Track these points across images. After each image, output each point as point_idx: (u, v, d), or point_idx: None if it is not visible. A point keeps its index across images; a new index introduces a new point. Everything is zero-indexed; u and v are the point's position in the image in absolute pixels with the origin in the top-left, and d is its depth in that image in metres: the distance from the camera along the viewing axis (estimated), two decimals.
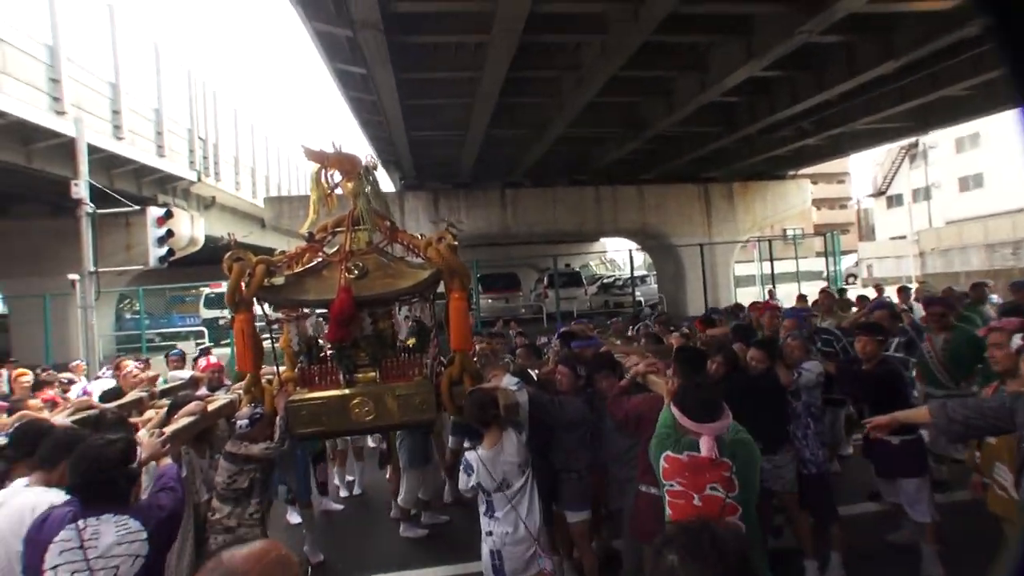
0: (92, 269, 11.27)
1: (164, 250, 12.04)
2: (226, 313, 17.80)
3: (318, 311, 3.89)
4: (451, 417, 4.21)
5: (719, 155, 17.86)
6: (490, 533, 3.38)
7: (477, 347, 4.93)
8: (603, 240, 31.78)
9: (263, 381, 3.98)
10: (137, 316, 18.65)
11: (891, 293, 11.08)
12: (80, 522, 2.20)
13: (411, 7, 8.71)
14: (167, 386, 4.96)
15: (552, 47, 10.70)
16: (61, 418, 3.45)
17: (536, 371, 4.33)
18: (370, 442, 6.84)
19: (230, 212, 22.90)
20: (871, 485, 4.92)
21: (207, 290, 22.86)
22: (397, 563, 4.92)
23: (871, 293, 12.60)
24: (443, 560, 4.86)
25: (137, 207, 12.83)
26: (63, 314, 13.37)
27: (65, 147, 11.89)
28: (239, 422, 3.63)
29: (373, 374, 3.86)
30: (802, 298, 10.12)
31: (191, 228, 18.20)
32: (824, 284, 18.50)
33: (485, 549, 3.42)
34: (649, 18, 8.37)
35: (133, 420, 3.82)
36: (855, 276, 33.10)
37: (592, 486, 4.01)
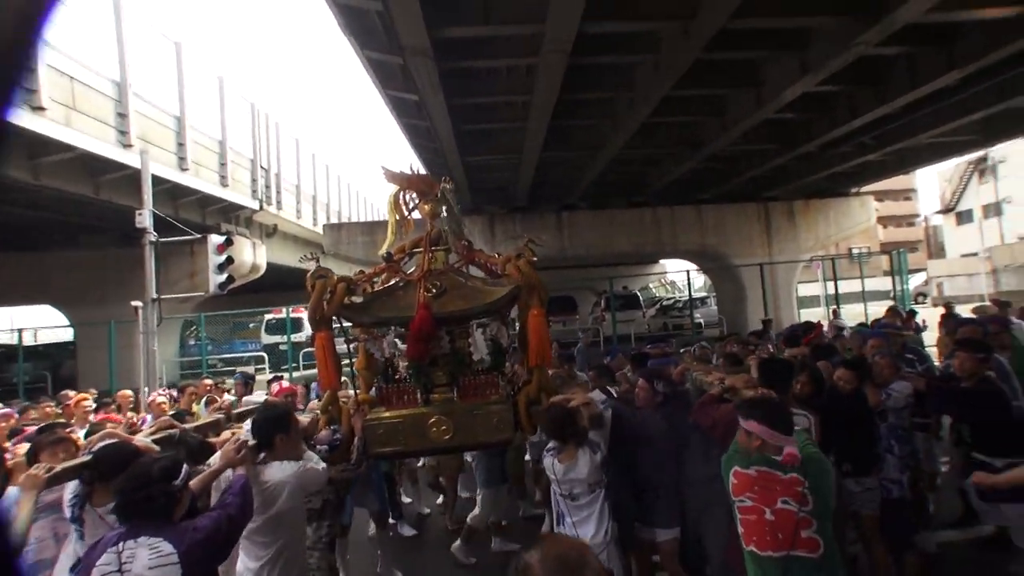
0: (154, 296, 11.56)
1: (224, 276, 12.19)
2: (284, 339, 18.43)
3: (396, 330, 3.90)
4: (529, 437, 4.15)
5: (778, 173, 17.47)
6: None
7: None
8: (663, 262, 31.40)
9: (340, 402, 4.02)
10: (201, 342, 19.06)
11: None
12: (120, 544, 2.23)
13: (461, 32, 8.75)
14: (243, 409, 5.07)
15: (604, 67, 10.63)
16: (142, 438, 3.54)
17: (613, 389, 4.25)
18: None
19: (291, 239, 23.65)
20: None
21: (268, 316, 23.45)
22: None
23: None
24: None
25: (199, 235, 13.18)
26: (128, 340, 13.52)
27: (131, 179, 12.36)
28: (319, 447, 3.67)
29: (450, 393, 3.86)
30: (893, 311, 9.60)
31: (253, 255, 18.67)
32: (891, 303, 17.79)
33: None
34: (699, 34, 8.27)
35: (210, 440, 3.91)
36: (924, 295, 31.72)
37: (679, 505, 3.90)
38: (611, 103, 12.08)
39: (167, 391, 7.24)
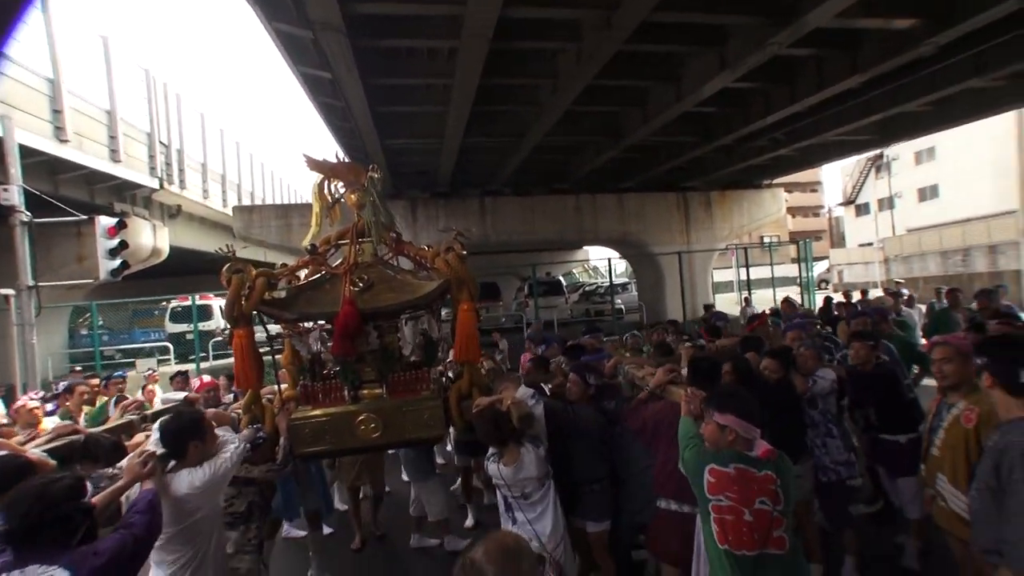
0: (31, 283, 10.25)
1: (117, 262, 11.01)
2: (190, 327, 17.24)
3: (322, 325, 3.73)
4: (453, 436, 4.08)
5: (697, 164, 18.10)
6: None
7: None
8: (585, 248, 31.92)
9: (263, 400, 3.82)
10: (94, 332, 17.28)
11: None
12: (4, 575, 2.02)
13: (376, 8, 8.43)
14: (160, 407, 4.73)
15: (527, 53, 10.58)
16: (35, 448, 3.22)
17: (547, 384, 4.25)
18: None
19: (198, 221, 22.12)
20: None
21: (173, 303, 21.74)
22: None
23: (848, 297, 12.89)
24: None
25: (85, 216, 11.78)
26: (1, 331, 11.96)
27: None
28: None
29: (379, 390, 3.74)
30: (788, 302, 10.20)
31: (153, 238, 17.13)
32: (797, 288, 18.92)
33: None
34: (622, 26, 8.34)
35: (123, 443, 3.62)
36: (827, 281, 33.96)
37: (612, 497, 3.97)
38: (534, 90, 12.05)
39: (38, 393, 6.26)
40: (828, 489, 4.12)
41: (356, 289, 3.62)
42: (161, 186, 17.73)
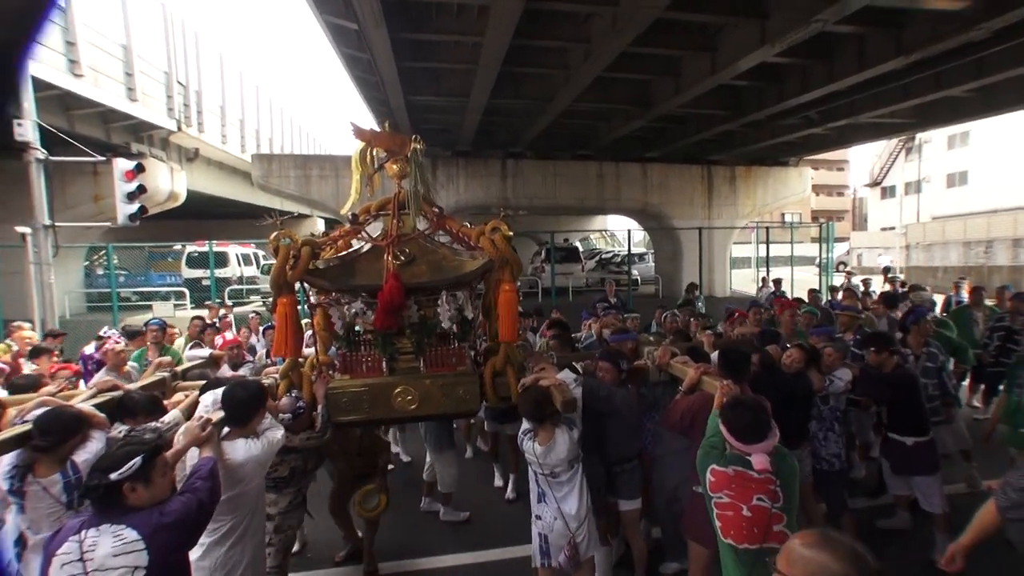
0: (47, 222, 10.07)
1: (135, 207, 10.72)
2: (207, 273, 17.20)
3: (363, 297, 3.74)
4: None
5: (725, 138, 17.79)
6: (539, 517, 3.47)
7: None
8: (604, 217, 31.65)
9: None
10: (110, 273, 16.85)
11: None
12: (83, 532, 2.12)
13: None
14: (187, 366, 4.79)
15: (560, 16, 10.28)
16: (82, 402, 3.27)
17: (579, 364, 4.27)
18: None
19: (216, 166, 22.00)
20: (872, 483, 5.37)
21: (190, 248, 21.74)
22: (436, 547, 4.90)
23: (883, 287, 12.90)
24: (479, 546, 4.88)
25: (103, 157, 11.52)
26: (14, 267, 11.78)
27: None
28: (282, 415, 3.53)
29: (415, 363, 3.79)
30: (813, 292, 10.10)
31: (171, 182, 16.91)
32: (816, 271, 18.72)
33: (534, 531, 3.51)
34: None
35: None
36: (845, 264, 33.53)
37: (643, 477, 4.11)
38: (566, 53, 11.80)
39: (117, 337, 6.19)
40: (825, 478, 4.38)
41: (398, 263, 3.62)
42: (179, 128, 17.50)
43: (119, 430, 3.11)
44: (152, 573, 2.12)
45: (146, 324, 6.70)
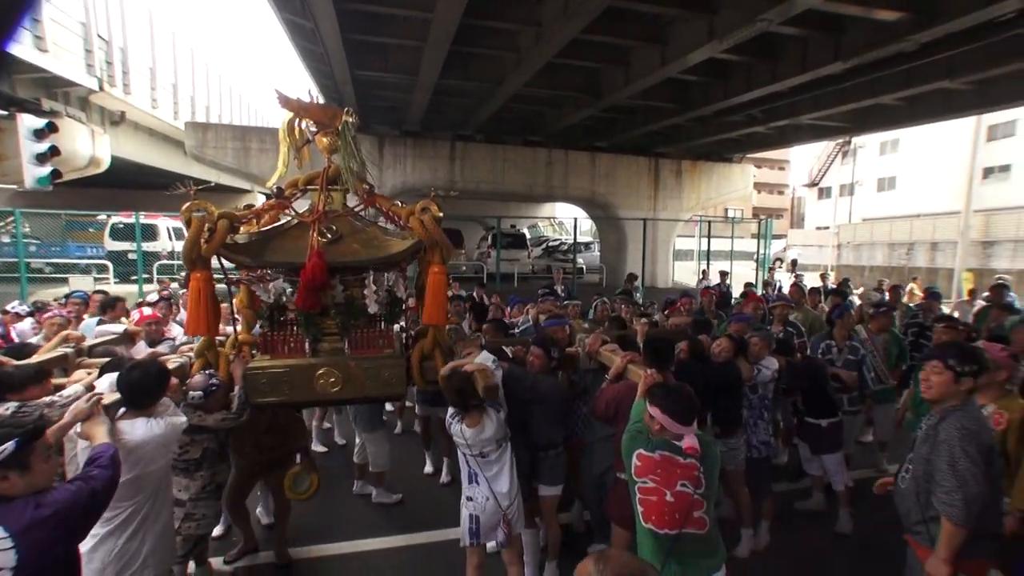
0: None
1: (47, 170, 9.87)
2: (133, 247, 16.12)
3: (286, 274, 3.58)
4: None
5: (673, 132, 18.05)
6: (471, 499, 3.45)
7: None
8: (552, 204, 31.72)
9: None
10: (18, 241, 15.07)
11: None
12: None
13: None
14: (96, 341, 4.50)
15: None
16: None
17: (508, 348, 4.24)
18: None
19: (145, 132, 20.69)
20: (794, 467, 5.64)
21: (115, 219, 20.17)
22: (365, 530, 4.80)
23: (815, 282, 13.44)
24: (409, 528, 4.82)
25: (4, 112, 10.44)
26: None
27: None
28: (192, 393, 3.35)
29: (340, 344, 3.66)
30: (749, 286, 10.43)
31: (92, 146, 15.10)
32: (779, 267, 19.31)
33: (464, 513, 3.48)
34: None
35: (58, 382, 3.40)
36: (781, 260, 34.73)
37: (565, 464, 4.10)
38: (516, 35, 11.67)
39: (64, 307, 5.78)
40: (755, 464, 4.53)
41: (324, 240, 3.47)
42: (101, 87, 16.10)
43: (6, 407, 2.87)
44: (21, 574, 1.87)
45: (66, 296, 6.30)
